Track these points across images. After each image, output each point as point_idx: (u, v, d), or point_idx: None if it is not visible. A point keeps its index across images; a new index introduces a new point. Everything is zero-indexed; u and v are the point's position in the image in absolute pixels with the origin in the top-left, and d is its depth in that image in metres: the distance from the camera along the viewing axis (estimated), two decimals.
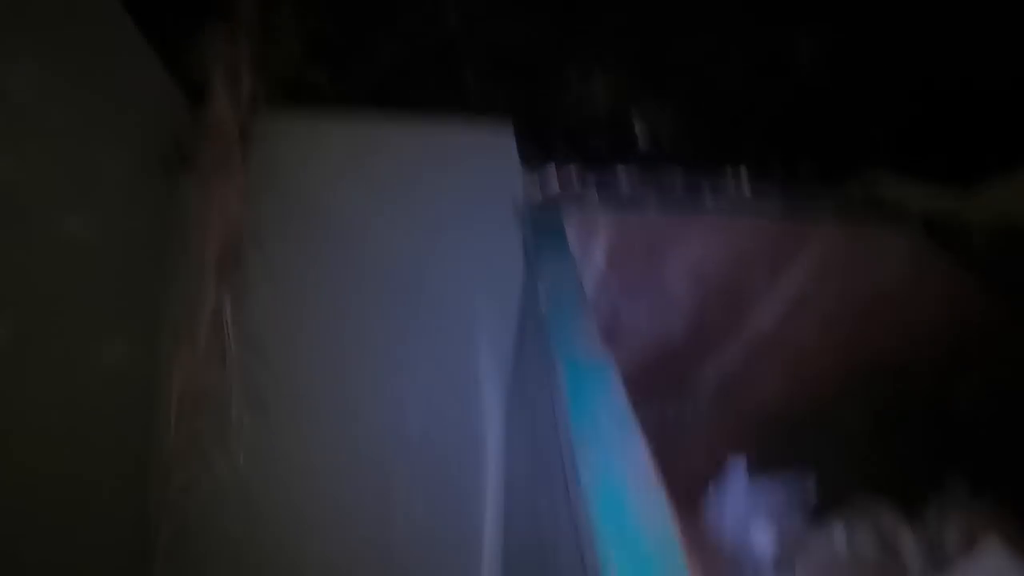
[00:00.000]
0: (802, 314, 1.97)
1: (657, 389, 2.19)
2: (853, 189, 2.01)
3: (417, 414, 1.84)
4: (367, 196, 1.63)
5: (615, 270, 1.88)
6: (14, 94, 1.10)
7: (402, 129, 1.58)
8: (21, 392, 1.14)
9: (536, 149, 1.79)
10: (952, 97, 1.85)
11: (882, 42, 1.76)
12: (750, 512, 2.11)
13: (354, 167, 1.60)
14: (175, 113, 1.57)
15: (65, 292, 1.25)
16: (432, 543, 1.93)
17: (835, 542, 2.10)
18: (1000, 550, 1.89)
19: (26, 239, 1.13)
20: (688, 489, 2.25)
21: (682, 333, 2.00)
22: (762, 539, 2.09)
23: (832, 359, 2.10)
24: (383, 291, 1.72)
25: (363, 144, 1.59)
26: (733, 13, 1.68)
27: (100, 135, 1.39)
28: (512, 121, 1.72)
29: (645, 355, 2.05)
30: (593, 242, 1.84)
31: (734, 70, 1.79)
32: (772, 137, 1.93)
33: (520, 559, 1.79)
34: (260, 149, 1.60)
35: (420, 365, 1.83)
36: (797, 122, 1.90)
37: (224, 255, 1.58)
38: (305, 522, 1.81)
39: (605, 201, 1.86)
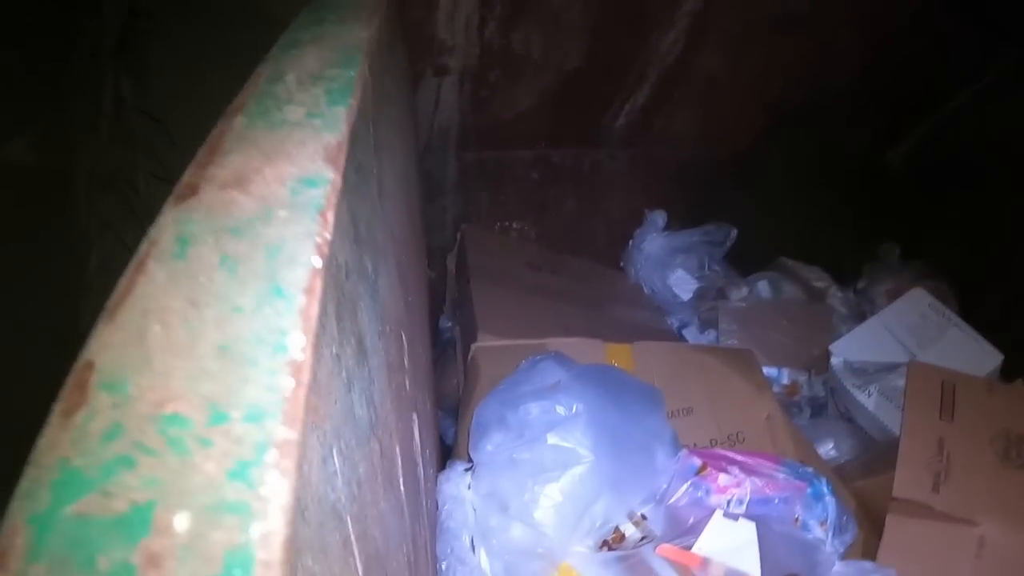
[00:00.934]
0: (706, 38, 1.82)
1: (572, 135, 2.01)
2: None
3: None
4: None
5: None
6: None
7: None
8: None
9: None
10: None
11: None
12: (669, 262, 1.94)
13: None
14: None
15: None
16: None
17: (760, 292, 1.94)
18: (925, 295, 1.77)
19: None
20: (609, 242, 2.07)
21: (584, 63, 1.83)
22: (682, 288, 1.91)
23: (746, 95, 1.95)
24: None
25: None
26: None
27: None
28: None
29: (552, 95, 1.88)
30: None
31: None
32: None
33: None
34: None
35: None
36: None
37: (124, 39, 1.49)
38: None
39: None
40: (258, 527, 0.24)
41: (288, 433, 0.27)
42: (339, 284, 0.47)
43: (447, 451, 1.34)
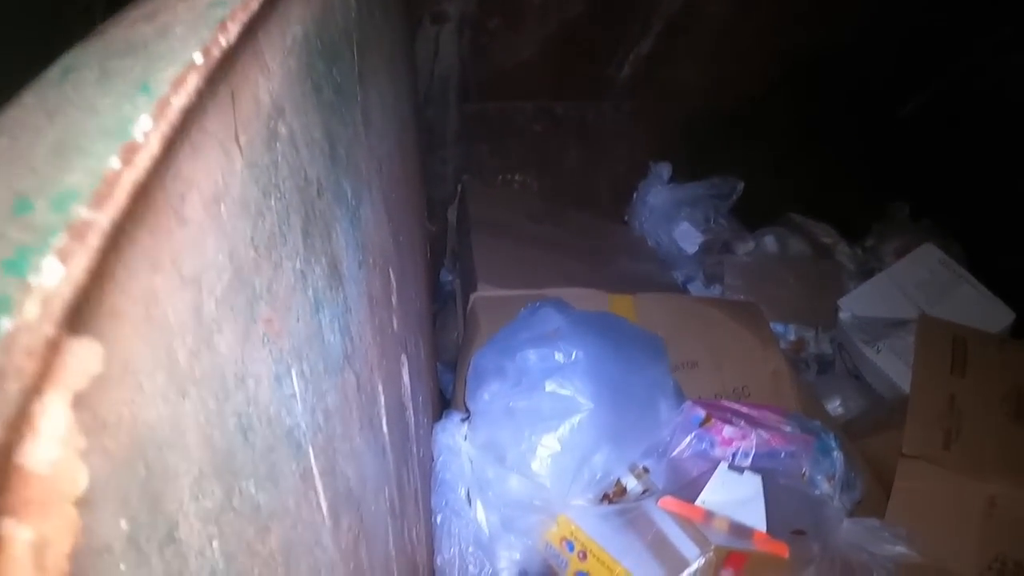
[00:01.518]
0: None
1: (575, 86, 1.96)
2: None
3: None
4: None
5: None
6: None
7: None
8: None
9: None
10: None
11: None
12: (674, 215, 1.89)
13: None
14: None
15: None
16: None
17: (767, 246, 1.89)
18: (936, 250, 1.72)
19: None
20: (613, 195, 2.02)
21: (587, 9, 1.77)
22: (687, 241, 1.87)
23: (754, 45, 1.89)
24: None
25: None
26: None
27: None
28: None
29: (554, 45, 1.82)
30: None
31: None
32: None
33: None
34: None
35: None
36: None
37: None
38: None
39: None
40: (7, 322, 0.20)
41: (92, 215, 0.22)
42: (308, 199, 0.45)
43: (447, 405, 1.31)
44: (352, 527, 0.51)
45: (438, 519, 1.00)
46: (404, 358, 0.84)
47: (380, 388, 0.66)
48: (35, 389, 0.20)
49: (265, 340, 0.36)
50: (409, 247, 1.09)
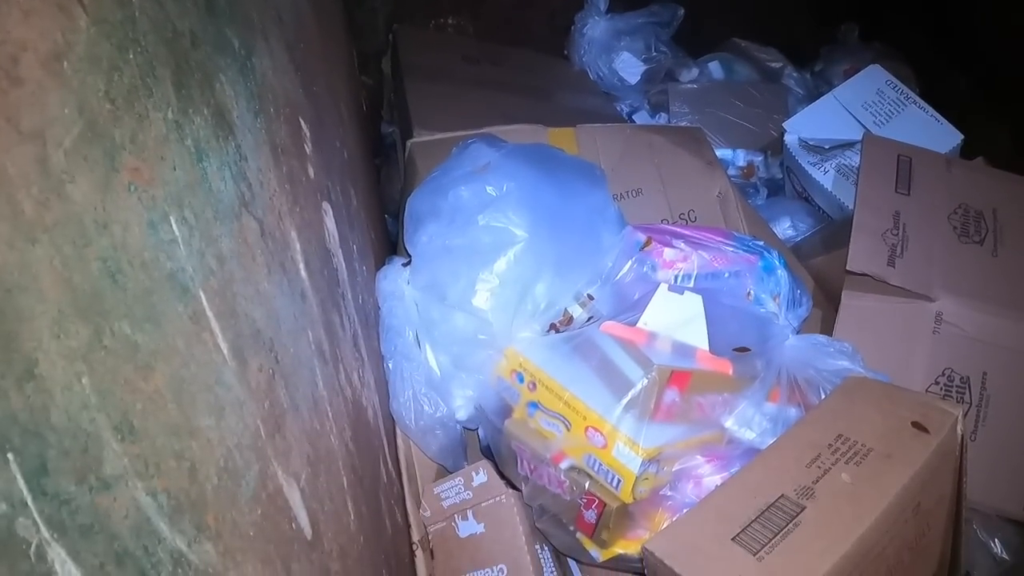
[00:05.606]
0: None
1: None
2: None
3: None
4: None
5: None
6: None
7: None
8: None
9: None
10: None
11: None
12: (614, 45, 1.83)
13: None
14: None
15: None
16: None
17: (711, 73, 1.84)
18: (883, 72, 1.68)
19: None
20: (551, 29, 1.94)
21: None
22: (629, 71, 1.81)
23: None
24: None
25: None
26: None
27: None
28: None
29: None
30: None
31: None
32: None
33: None
34: None
35: None
36: None
37: None
38: None
39: None
40: None
41: None
42: (179, 51, 0.46)
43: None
44: (264, 367, 0.51)
45: (389, 365, 1.00)
46: (327, 206, 0.83)
47: (294, 235, 0.66)
48: None
49: (132, 188, 0.37)
50: (329, 97, 1.06)
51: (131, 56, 0.39)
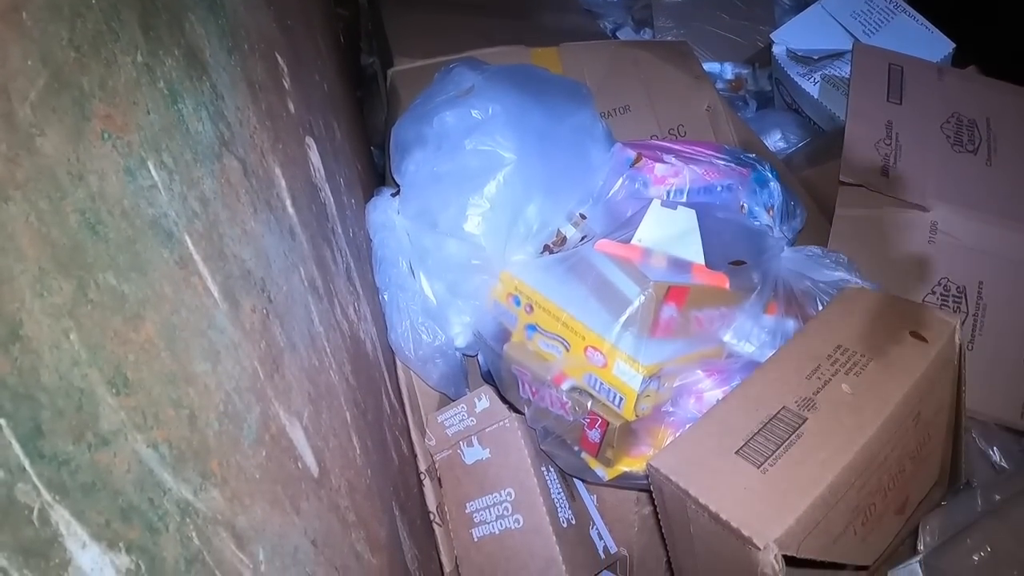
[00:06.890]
0: None
1: None
2: None
3: None
4: None
5: None
6: None
7: None
8: None
9: None
10: None
11: None
12: None
13: None
14: None
15: None
16: None
17: None
18: None
19: None
20: None
21: None
22: None
23: None
24: None
25: None
26: None
27: None
28: None
29: None
30: None
31: None
32: None
33: None
34: None
35: None
36: None
37: None
38: None
39: None
40: None
41: None
42: None
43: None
44: (258, 308, 0.51)
45: (385, 296, 0.99)
46: (310, 140, 0.81)
47: (278, 172, 0.65)
48: None
49: (105, 136, 0.36)
50: (305, 30, 1.04)
51: (93, 1, 0.38)
